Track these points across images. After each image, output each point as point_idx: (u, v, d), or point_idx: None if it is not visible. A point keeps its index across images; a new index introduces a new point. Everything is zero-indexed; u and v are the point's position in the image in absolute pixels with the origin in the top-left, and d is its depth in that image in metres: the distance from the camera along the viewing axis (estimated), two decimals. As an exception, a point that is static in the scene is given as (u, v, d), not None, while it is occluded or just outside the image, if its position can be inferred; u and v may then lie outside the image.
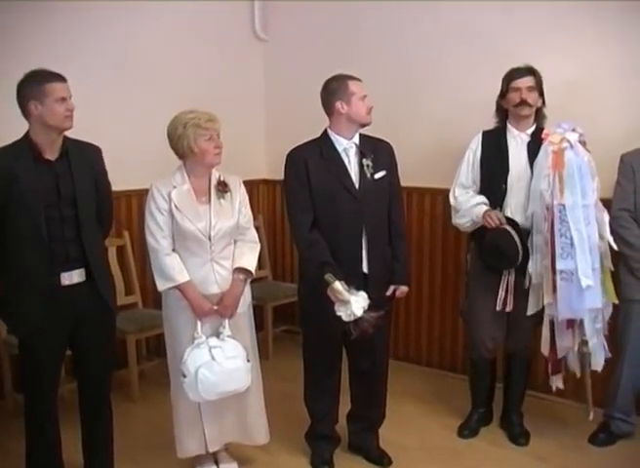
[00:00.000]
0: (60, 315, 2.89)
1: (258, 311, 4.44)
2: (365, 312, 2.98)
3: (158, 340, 4.08)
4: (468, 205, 3.50)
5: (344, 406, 3.56)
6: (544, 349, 3.40)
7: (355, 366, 3.45)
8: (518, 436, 3.70)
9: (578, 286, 3.16)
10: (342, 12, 4.79)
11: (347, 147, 3.19)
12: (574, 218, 3.15)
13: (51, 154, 2.86)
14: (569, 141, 3.20)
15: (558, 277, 3.19)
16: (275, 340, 5.00)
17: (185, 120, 3.02)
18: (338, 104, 3.15)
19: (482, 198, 3.50)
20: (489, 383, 3.82)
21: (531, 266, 3.35)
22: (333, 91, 3.17)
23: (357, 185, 3.16)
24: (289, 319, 5.20)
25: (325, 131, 3.25)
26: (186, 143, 3.02)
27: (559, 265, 3.18)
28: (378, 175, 3.20)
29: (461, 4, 4.23)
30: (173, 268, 3.04)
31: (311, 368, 3.43)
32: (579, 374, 3.48)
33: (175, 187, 3.07)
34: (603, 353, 3.39)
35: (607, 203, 3.54)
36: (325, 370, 3.40)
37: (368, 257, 3.19)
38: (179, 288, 3.05)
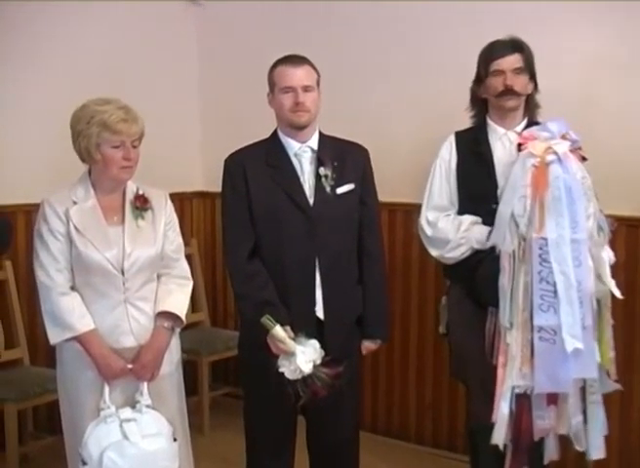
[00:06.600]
0: None
1: (190, 369, 4.47)
2: (316, 367, 2.89)
3: (51, 411, 3.94)
4: (460, 231, 3.33)
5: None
6: (498, 437, 3.09)
7: (315, 444, 3.34)
8: None
9: (561, 349, 2.97)
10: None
11: (300, 152, 3.14)
12: (558, 258, 2.98)
13: None
14: (556, 153, 3.05)
15: (536, 336, 3.00)
16: (213, 408, 4.86)
17: (92, 114, 2.91)
18: (268, 97, 3.17)
19: (472, 217, 3.34)
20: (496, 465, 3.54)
21: (500, 316, 3.16)
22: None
23: (311, 201, 3.10)
24: (231, 378, 5.08)
25: (275, 131, 3.20)
26: (84, 145, 2.92)
27: (537, 320, 2.99)
28: (341, 190, 3.13)
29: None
30: (71, 312, 2.93)
31: (254, 445, 3.31)
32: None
33: (75, 203, 2.98)
34: (600, 435, 3.15)
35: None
36: (272, 449, 3.27)
37: (324, 298, 3.12)
38: (79, 339, 2.93)
